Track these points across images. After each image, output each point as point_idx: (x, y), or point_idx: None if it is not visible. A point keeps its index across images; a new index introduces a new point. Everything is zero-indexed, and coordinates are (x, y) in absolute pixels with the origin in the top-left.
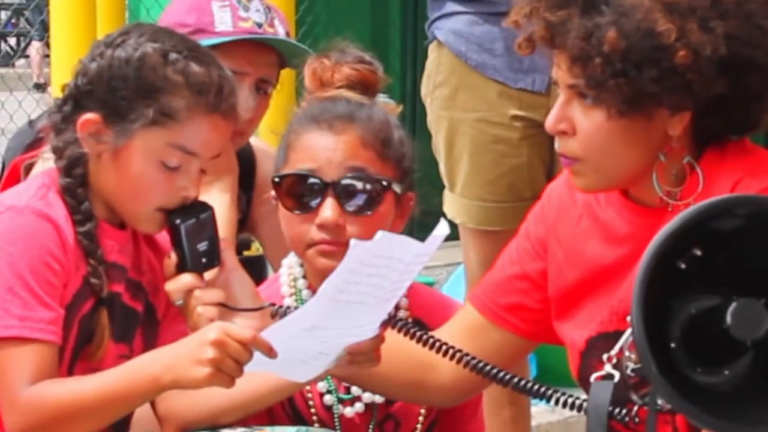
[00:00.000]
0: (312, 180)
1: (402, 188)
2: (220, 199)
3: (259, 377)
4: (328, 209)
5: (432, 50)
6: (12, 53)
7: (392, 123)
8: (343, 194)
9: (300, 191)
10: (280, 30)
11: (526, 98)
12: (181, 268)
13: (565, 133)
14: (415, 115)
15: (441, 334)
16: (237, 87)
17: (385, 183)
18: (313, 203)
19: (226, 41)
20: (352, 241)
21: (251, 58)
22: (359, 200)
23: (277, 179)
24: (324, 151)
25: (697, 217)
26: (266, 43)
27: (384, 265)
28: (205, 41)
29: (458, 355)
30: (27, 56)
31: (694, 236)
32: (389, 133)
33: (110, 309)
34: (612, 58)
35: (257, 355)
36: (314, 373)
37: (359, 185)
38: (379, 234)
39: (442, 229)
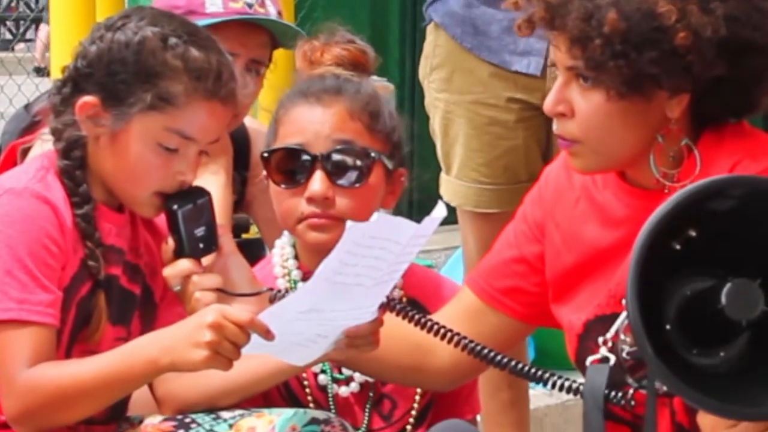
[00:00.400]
0: (300, 153)
1: (393, 163)
2: (214, 180)
3: (257, 360)
4: (317, 182)
5: (429, 32)
6: (12, 37)
7: (380, 98)
8: (332, 167)
9: (288, 165)
10: (271, 10)
11: (522, 81)
12: (178, 253)
13: (563, 115)
14: (414, 99)
15: (438, 317)
16: None
17: (373, 155)
18: (302, 177)
19: (217, 22)
20: (348, 223)
21: (242, 39)
22: (348, 172)
23: (266, 154)
24: (311, 124)
25: (691, 197)
26: (257, 23)
27: (380, 246)
28: (196, 23)
29: (456, 338)
30: (27, 40)
31: (688, 217)
32: (377, 106)
33: (107, 292)
34: (612, 40)
35: (255, 338)
36: (312, 357)
37: (348, 158)
38: (376, 215)
39: (439, 211)
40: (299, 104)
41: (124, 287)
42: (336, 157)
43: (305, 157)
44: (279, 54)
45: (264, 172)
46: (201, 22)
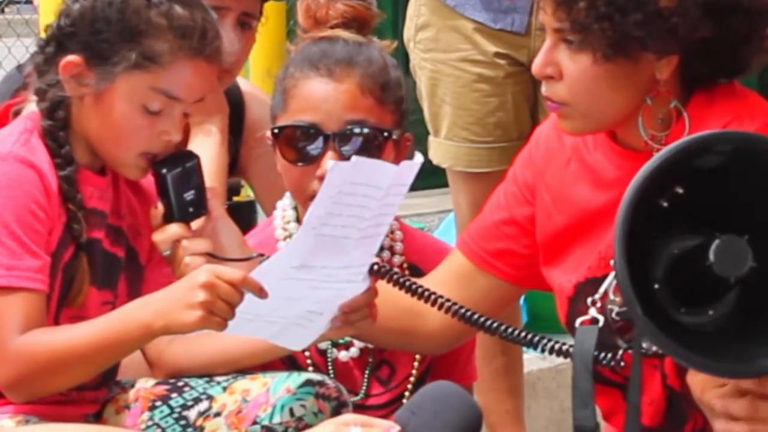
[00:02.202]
0: (312, 132)
1: (400, 132)
2: (210, 140)
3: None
4: (329, 162)
5: None
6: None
7: (389, 64)
8: (344, 146)
9: (300, 142)
10: None
11: (507, 38)
12: (168, 218)
13: (551, 77)
14: (407, 62)
15: (430, 280)
16: (220, 23)
17: (385, 134)
18: (314, 155)
19: None
20: (329, 162)
21: None
22: (360, 152)
23: (276, 131)
24: (324, 102)
25: (677, 154)
26: None
27: (362, 193)
28: None
29: (446, 304)
30: (17, 2)
31: (675, 174)
32: (387, 76)
33: (90, 255)
34: (596, 2)
35: (249, 315)
36: (309, 339)
37: (360, 137)
38: (354, 157)
39: (417, 157)
40: (311, 77)
41: (107, 250)
42: (348, 136)
43: (318, 136)
44: (269, 7)
45: (269, 137)
46: None
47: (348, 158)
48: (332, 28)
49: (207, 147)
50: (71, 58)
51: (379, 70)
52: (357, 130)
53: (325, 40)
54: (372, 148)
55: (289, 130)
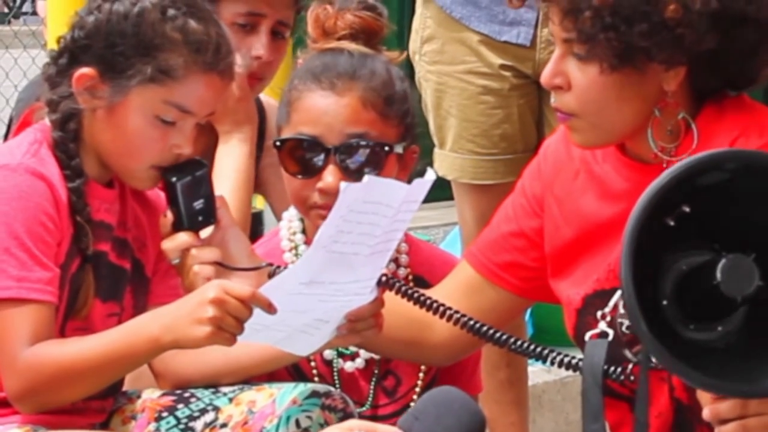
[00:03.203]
0: (313, 145)
1: (404, 145)
2: (238, 149)
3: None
4: (330, 175)
5: (419, 5)
6: (8, 10)
7: (394, 77)
8: (345, 160)
9: (301, 155)
10: None
11: (512, 50)
12: (177, 226)
13: (560, 87)
14: (412, 74)
15: (437, 291)
16: (254, 31)
17: (387, 148)
18: (315, 168)
19: None
20: (342, 184)
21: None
22: (361, 165)
23: (278, 143)
24: (325, 115)
25: (684, 172)
26: None
27: (373, 211)
28: None
29: (454, 315)
30: (24, 14)
31: (682, 192)
32: (391, 90)
33: (96, 267)
34: (602, 12)
35: (257, 326)
36: (315, 346)
37: (361, 151)
38: (366, 177)
39: (429, 174)
40: (313, 90)
41: (113, 263)
42: (349, 150)
43: (319, 149)
44: None
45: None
46: None
47: (349, 171)
48: (340, 39)
49: (234, 157)
50: (85, 70)
51: (383, 83)
52: (358, 144)
53: (330, 52)
54: (373, 161)
55: (291, 142)
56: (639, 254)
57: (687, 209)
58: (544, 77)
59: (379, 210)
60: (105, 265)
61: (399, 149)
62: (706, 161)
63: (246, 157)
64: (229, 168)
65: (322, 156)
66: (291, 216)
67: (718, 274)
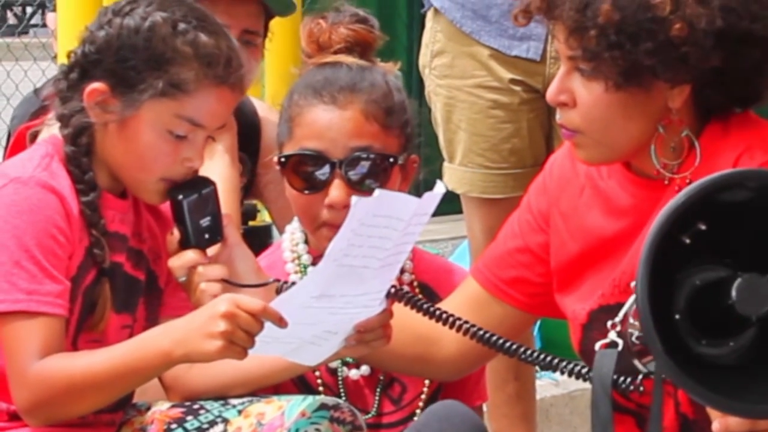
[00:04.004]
0: (318, 160)
1: (406, 155)
2: (221, 159)
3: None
4: (336, 189)
5: (429, 19)
6: (17, 22)
7: (393, 88)
8: (351, 174)
9: (306, 170)
10: None
11: (522, 65)
12: (184, 244)
13: (565, 104)
14: (422, 87)
15: (443, 307)
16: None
17: (391, 160)
18: (321, 183)
19: None
20: (353, 198)
21: (230, 10)
22: (366, 178)
23: (283, 159)
24: (328, 130)
25: (703, 191)
26: None
27: (384, 225)
28: None
29: (466, 327)
30: (33, 26)
31: (699, 210)
32: (391, 101)
33: (112, 279)
34: (606, 30)
35: (267, 335)
36: (324, 356)
37: (366, 164)
38: (377, 192)
39: (439, 187)
40: (314, 105)
41: (128, 274)
42: (354, 163)
43: (324, 164)
44: (281, 26)
45: (277, 165)
46: None
47: (355, 184)
48: (335, 53)
49: (217, 166)
50: (96, 85)
51: (383, 95)
52: (363, 157)
53: (328, 66)
54: (378, 173)
55: (296, 158)
56: (653, 269)
57: (703, 227)
58: (550, 94)
59: (390, 223)
60: (120, 277)
61: (401, 160)
62: (723, 180)
63: (229, 167)
64: (214, 180)
65: (327, 170)
66: (293, 228)
67: (734, 293)
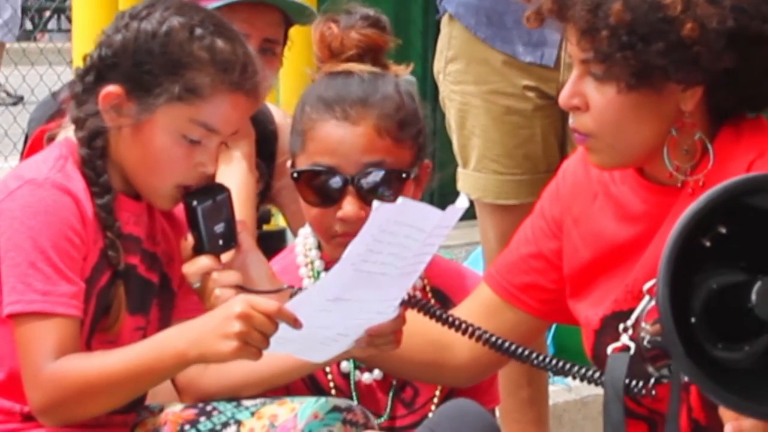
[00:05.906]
0: (331, 175)
1: (419, 164)
2: (237, 166)
3: (281, 354)
4: (349, 204)
5: (444, 25)
6: (33, 27)
7: (405, 97)
8: (363, 189)
9: (319, 186)
10: None
11: (536, 71)
12: (198, 250)
13: (578, 108)
14: (437, 94)
15: (456, 313)
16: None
17: (404, 175)
18: (334, 197)
19: (224, 4)
20: (375, 203)
21: (251, 19)
22: (379, 192)
23: (296, 174)
24: (341, 145)
25: (728, 193)
26: (266, 2)
27: (405, 234)
28: (206, 6)
29: (478, 333)
30: (49, 31)
31: (720, 214)
32: (404, 112)
33: (126, 281)
34: (618, 31)
35: (278, 336)
36: (332, 354)
37: (378, 179)
38: (401, 199)
39: (462, 201)
40: (326, 120)
41: (142, 276)
42: (367, 178)
43: (336, 179)
44: (298, 32)
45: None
46: (210, 5)
47: (368, 199)
48: (347, 60)
49: (234, 173)
50: (112, 88)
51: (396, 107)
52: (375, 172)
53: (340, 76)
54: (391, 187)
55: (309, 173)
56: (673, 273)
57: (723, 230)
58: (562, 98)
59: (411, 233)
60: (134, 279)
61: (414, 173)
62: (746, 184)
63: (246, 173)
64: (231, 187)
65: (340, 185)
66: (306, 233)
67: (753, 297)
